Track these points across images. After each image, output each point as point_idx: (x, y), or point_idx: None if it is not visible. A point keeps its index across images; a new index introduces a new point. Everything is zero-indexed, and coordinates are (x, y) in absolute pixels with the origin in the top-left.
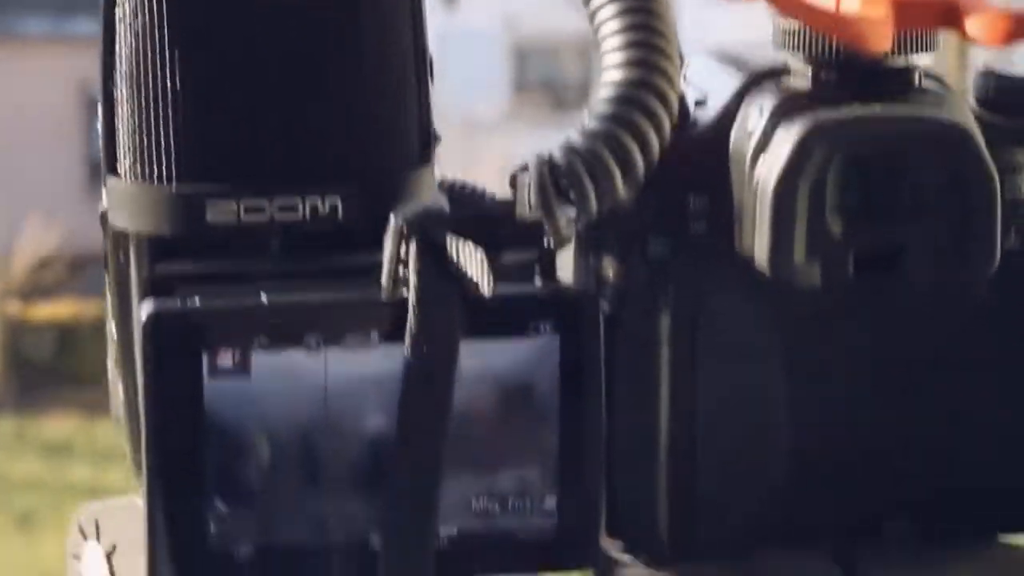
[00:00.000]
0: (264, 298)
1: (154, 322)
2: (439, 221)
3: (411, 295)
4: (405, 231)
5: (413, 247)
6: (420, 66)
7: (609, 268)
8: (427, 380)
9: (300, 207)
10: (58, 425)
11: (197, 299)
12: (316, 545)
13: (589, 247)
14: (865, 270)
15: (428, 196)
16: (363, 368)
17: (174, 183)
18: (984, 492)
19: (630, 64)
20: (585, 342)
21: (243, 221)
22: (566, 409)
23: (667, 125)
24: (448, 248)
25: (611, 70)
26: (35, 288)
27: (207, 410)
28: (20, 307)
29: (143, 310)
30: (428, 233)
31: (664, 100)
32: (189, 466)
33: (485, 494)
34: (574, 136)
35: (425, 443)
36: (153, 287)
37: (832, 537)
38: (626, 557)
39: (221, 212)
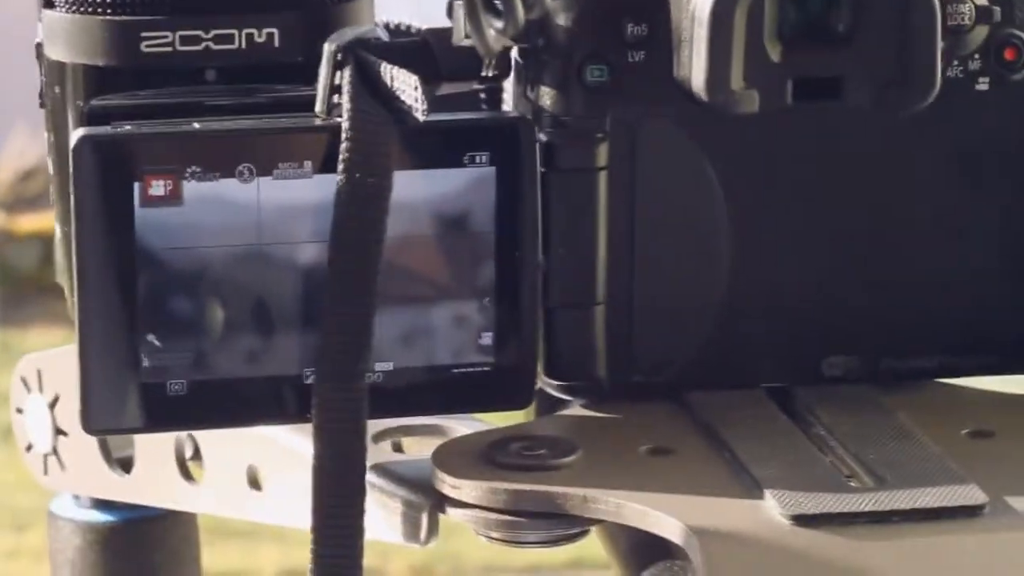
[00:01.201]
0: (196, 126)
1: (84, 147)
2: (374, 47)
3: (344, 121)
4: (339, 57)
5: (347, 73)
6: None
7: (547, 97)
8: (360, 208)
9: (236, 37)
10: (43, 337)
11: (128, 126)
12: (250, 379)
13: (527, 76)
14: (804, 96)
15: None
16: (296, 198)
17: (109, 13)
18: (924, 334)
19: None
20: (521, 171)
21: (178, 51)
22: (502, 241)
23: None
24: (382, 74)
25: None
26: (19, 199)
27: (138, 240)
28: (4, 218)
29: (73, 137)
30: (362, 59)
31: None
32: (120, 297)
33: (422, 329)
34: None
35: (357, 273)
36: (89, 119)
37: (772, 376)
38: (564, 397)
39: (156, 42)
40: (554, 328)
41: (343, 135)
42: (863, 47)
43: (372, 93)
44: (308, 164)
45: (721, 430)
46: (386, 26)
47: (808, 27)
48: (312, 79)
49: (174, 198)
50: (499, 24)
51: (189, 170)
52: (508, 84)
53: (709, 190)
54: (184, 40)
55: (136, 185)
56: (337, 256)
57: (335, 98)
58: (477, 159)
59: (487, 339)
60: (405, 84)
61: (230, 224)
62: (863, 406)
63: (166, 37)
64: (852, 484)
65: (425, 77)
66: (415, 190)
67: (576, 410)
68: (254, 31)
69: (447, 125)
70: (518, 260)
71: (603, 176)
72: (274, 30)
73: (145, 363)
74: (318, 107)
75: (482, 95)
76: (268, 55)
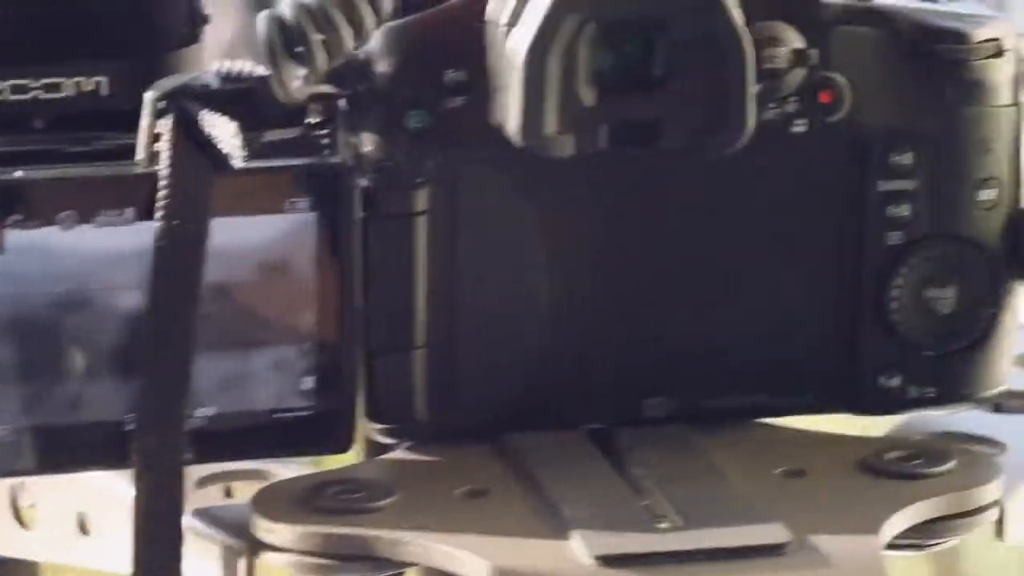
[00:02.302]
0: (18, 174)
1: None
2: (197, 95)
3: (162, 168)
4: (160, 105)
5: (167, 121)
6: None
7: (368, 142)
8: (177, 255)
9: (65, 86)
10: None
11: None
12: (74, 425)
13: (350, 122)
14: (620, 140)
15: (194, 75)
16: (118, 245)
17: None
18: (741, 374)
19: None
20: (341, 218)
21: (7, 100)
22: (323, 286)
23: None
24: (201, 122)
25: None
26: None
27: None
28: None
29: None
30: (183, 107)
31: None
32: None
33: (243, 374)
34: None
35: (175, 320)
36: None
37: (593, 417)
38: (388, 440)
39: None
40: (375, 372)
41: (160, 182)
42: (678, 91)
43: (192, 141)
44: (129, 211)
45: (537, 472)
46: (222, 72)
47: (624, 72)
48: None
49: None
50: (302, 72)
51: (11, 219)
52: None
53: (530, 234)
54: (13, 89)
55: None
56: (154, 302)
57: (156, 146)
58: (297, 205)
59: (308, 383)
60: (223, 131)
61: (52, 271)
62: (680, 446)
63: None
64: (661, 525)
65: (249, 124)
66: (235, 236)
67: (399, 453)
68: (83, 79)
69: (267, 171)
70: (338, 305)
71: (423, 221)
72: (103, 78)
73: None
74: (139, 155)
75: (320, 140)
76: (97, 103)
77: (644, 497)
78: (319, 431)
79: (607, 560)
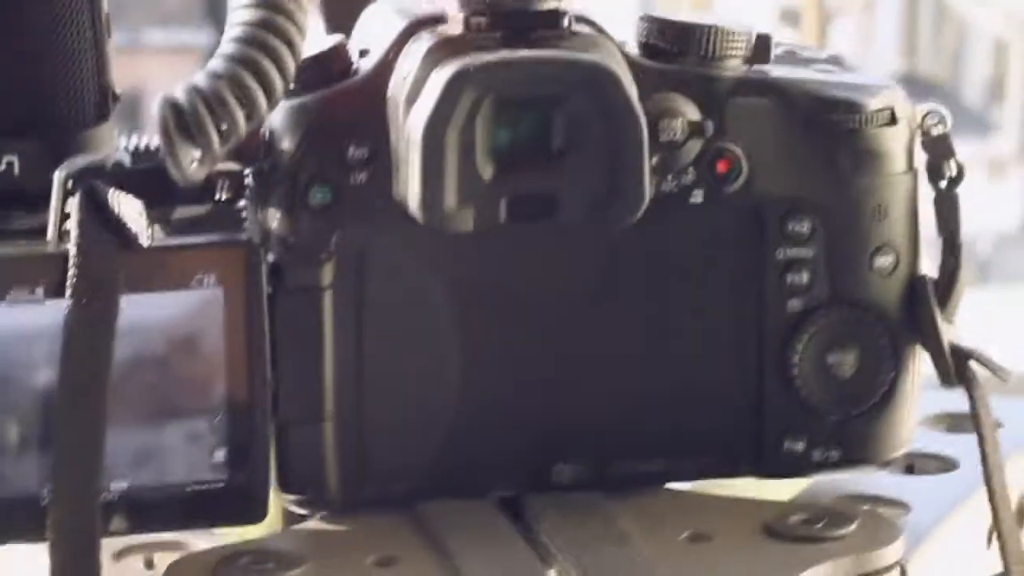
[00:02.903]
0: None
1: None
2: (102, 174)
3: (71, 247)
4: (69, 184)
5: (76, 200)
6: (97, 23)
7: (273, 218)
8: (87, 333)
9: None
10: None
11: None
12: None
13: (256, 198)
14: (519, 214)
15: (105, 153)
16: (29, 323)
17: None
18: (648, 440)
19: (255, 5)
20: (249, 293)
21: None
22: (232, 361)
23: (291, 65)
24: (109, 201)
25: (237, 11)
26: None
27: None
28: None
29: None
30: (91, 185)
31: (288, 41)
32: None
33: (155, 448)
34: (197, 76)
35: (87, 396)
36: None
37: (503, 485)
38: (301, 511)
39: None
40: (285, 443)
41: (70, 261)
42: (575, 164)
43: (100, 220)
44: (39, 290)
45: (447, 540)
46: (131, 149)
47: (522, 146)
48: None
49: None
50: (196, 153)
51: None
52: None
53: (436, 306)
54: None
55: None
56: (65, 380)
57: (65, 225)
58: (204, 281)
59: (220, 456)
60: (131, 210)
61: None
62: (588, 513)
63: None
64: None
65: (159, 200)
66: (145, 312)
67: (312, 524)
68: None
69: (174, 249)
70: (249, 378)
71: (329, 295)
72: (13, 158)
73: None
74: (49, 234)
75: (230, 216)
76: (6, 183)
77: (551, 564)
78: (233, 503)
79: None
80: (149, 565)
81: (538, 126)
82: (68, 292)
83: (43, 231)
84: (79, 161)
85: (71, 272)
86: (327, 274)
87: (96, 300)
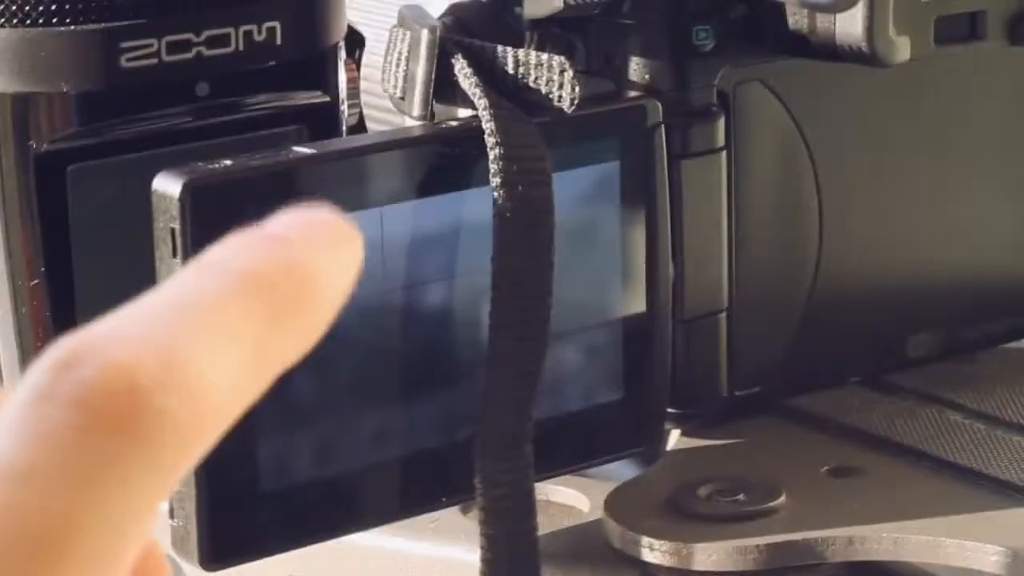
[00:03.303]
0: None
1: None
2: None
3: (485, 122)
4: (441, 44)
5: (460, 62)
6: None
7: (647, 69)
8: (530, 229)
9: (233, 38)
10: None
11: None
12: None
13: (599, 47)
14: (946, 37)
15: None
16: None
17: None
18: (994, 299)
19: None
20: (648, 164)
21: (164, 62)
22: (630, 252)
23: None
24: (502, 60)
25: None
26: None
27: None
28: None
29: (162, 183)
30: (469, 44)
31: None
32: None
33: (552, 370)
34: None
35: (533, 311)
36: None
37: (861, 367)
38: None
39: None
40: (680, 346)
41: (491, 141)
42: None
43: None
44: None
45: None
46: None
47: None
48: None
49: None
50: None
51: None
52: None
53: (801, 165)
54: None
55: None
56: (506, 292)
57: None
58: (604, 155)
59: (618, 369)
60: (549, 69)
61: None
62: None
63: (150, 46)
64: None
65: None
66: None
67: (691, 440)
68: (253, 28)
69: (573, 118)
70: (649, 270)
71: (723, 156)
72: (275, 24)
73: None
74: (417, 111)
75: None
76: (270, 56)
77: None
78: (631, 425)
79: None
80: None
81: None
82: (497, 181)
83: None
84: (425, 16)
85: (496, 153)
86: (719, 132)
87: (533, 186)
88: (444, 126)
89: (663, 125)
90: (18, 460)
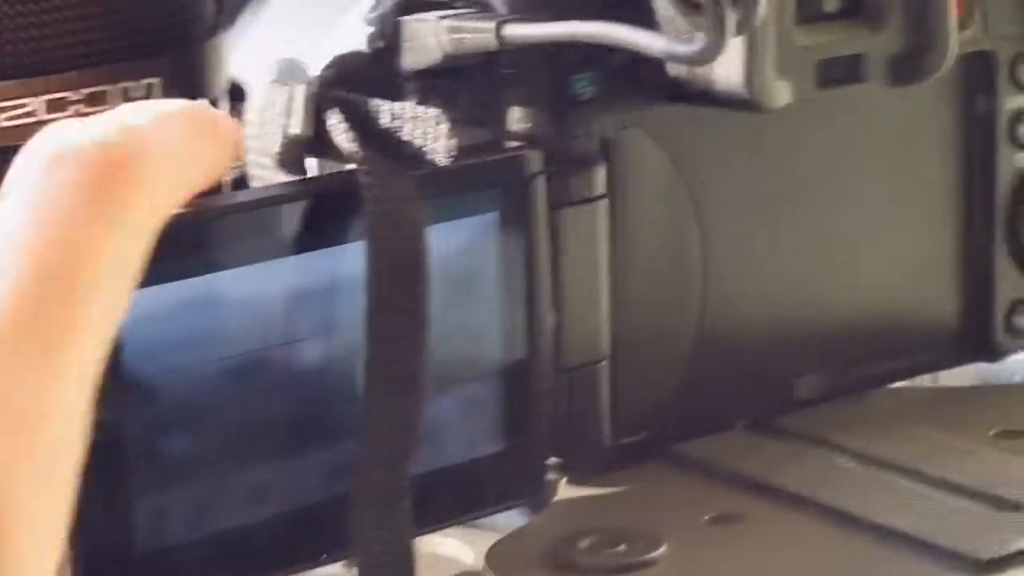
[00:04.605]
0: None
1: None
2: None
3: (362, 175)
4: (319, 99)
5: (333, 116)
6: None
7: (525, 118)
8: (400, 284)
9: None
10: None
11: None
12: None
13: (484, 97)
14: (828, 79)
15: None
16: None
17: None
18: (884, 338)
19: None
20: (528, 212)
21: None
22: (509, 301)
23: None
24: (373, 113)
25: None
26: None
27: None
28: None
29: None
30: (344, 97)
31: None
32: None
33: (432, 425)
34: None
35: (405, 361)
36: None
37: (747, 411)
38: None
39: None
40: (563, 395)
41: (365, 194)
42: (879, 20)
43: (375, 141)
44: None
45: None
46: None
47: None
48: None
49: None
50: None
51: None
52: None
53: (681, 210)
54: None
55: None
56: (380, 349)
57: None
58: (482, 206)
59: (498, 421)
60: (424, 122)
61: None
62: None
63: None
64: None
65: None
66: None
67: (589, 489)
68: (130, 84)
69: (445, 170)
70: (528, 320)
71: (603, 205)
72: (155, 80)
73: None
74: (293, 167)
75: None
76: None
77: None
78: (511, 475)
79: None
80: None
81: None
82: (370, 235)
83: None
84: (299, 68)
85: (368, 209)
86: (599, 180)
87: (402, 241)
88: (321, 181)
89: (543, 174)
90: (45, 209)
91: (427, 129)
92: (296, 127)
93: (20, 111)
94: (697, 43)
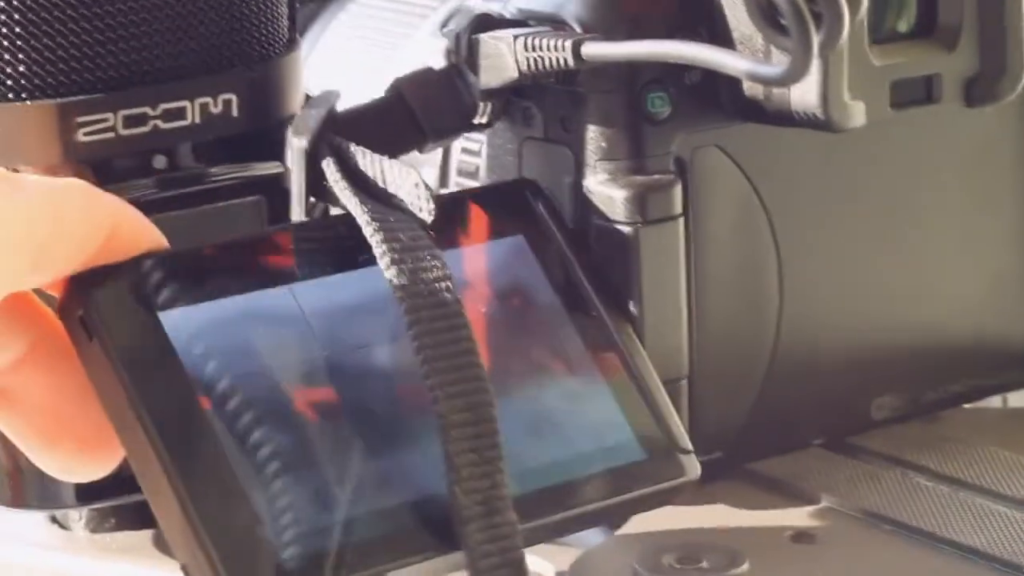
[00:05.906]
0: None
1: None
2: (342, 124)
3: (365, 227)
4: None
5: (330, 167)
6: None
7: (600, 137)
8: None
9: (189, 110)
10: None
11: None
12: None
13: (555, 115)
14: (902, 101)
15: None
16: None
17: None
18: (958, 358)
19: None
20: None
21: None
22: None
23: None
24: (363, 166)
25: None
26: None
27: None
28: None
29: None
30: (338, 146)
31: None
32: None
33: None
34: None
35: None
36: None
37: (822, 430)
38: None
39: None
40: None
41: (373, 239)
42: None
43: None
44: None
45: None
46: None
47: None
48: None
49: None
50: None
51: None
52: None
53: (760, 229)
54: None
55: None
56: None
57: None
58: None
59: None
60: (402, 180)
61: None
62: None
63: (107, 120)
64: None
65: (411, 141)
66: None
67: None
68: (208, 100)
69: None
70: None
71: (681, 223)
72: (231, 96)
73: None
74: (297, 213)
75: None
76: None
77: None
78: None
79: None
80: None
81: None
82: (384, 259)
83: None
84: (311, 116)
85: (379, 239)
86: (676, 199)
87: (429, 267)
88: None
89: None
90: None
91: (409, 189)
92: (296, 179)
93: (99, 126)
94: (782, 65)
